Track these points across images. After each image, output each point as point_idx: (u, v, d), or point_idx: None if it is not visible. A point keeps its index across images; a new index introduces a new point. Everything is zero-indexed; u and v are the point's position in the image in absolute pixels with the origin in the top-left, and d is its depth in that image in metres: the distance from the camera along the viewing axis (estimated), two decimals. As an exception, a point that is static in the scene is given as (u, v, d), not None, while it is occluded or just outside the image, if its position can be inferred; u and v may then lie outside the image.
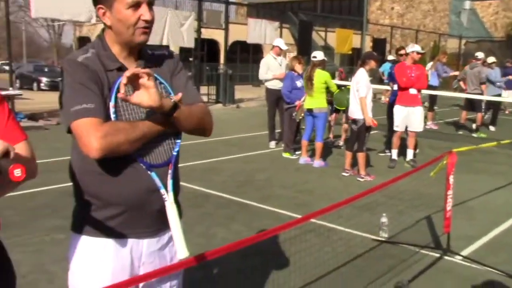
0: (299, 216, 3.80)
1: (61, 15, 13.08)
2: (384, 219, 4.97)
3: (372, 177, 7.30)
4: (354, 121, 7.31)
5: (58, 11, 12.60)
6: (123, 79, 1.68)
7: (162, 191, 1.83)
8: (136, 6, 1.81)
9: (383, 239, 4.88)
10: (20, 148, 1.58)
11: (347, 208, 5.14)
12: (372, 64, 7.41)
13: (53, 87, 22.33)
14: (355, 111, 7.26)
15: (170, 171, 1.88)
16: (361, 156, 7.31)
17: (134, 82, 1.71)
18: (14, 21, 32.51)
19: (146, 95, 1.71)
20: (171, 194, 1.85)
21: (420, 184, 6.10)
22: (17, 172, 1.35)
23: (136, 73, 1.69)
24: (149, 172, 1.82)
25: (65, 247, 1.96)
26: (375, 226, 5.03)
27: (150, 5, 1.85)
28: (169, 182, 1.86)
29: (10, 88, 12.17)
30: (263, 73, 9.67)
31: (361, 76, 7.23)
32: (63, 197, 5.65)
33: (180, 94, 1.84)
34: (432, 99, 13.56)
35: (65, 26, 36.70)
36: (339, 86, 9.81)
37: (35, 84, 24.23)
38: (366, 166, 7.54)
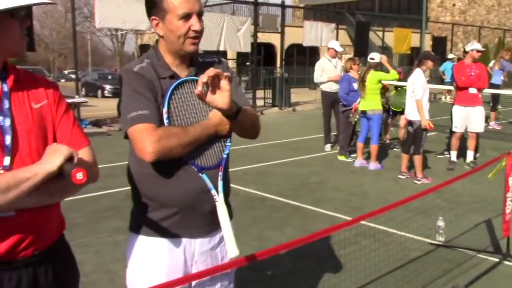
0: (352, 219, 3.80)
1: (124, 24, 13.61)
2: (440, 223, 4.89)
3: (429, 180, 7.16)
4: (410, 123, 7.21)
5: (120, 20, 13.15)
6: (204, 77, 1.76)
7: (213, 192, 1.92)
8: (186, 17, 1.92)
9: (439, 243, 4.80)
10: (83, 153, 1.71)
11: (402, 210, 5.10)
12: (430, 64, 7.29)
13: (116, 94, 23.08)
14: (410, 113, 7.16)
15: (220, 173, 1.97)
16: (417, 159, 7.19)
17: (209, 83, 1.78)
18: (80, 32, 33.97)
19: (220, 97, 1.81)
20: (221, 195, 1.94)
21: (479, 186, 5.94)
22: (79, 176, 1.50)
23: (218, 74, 1.78)
24: (200, 174, 1.92)
25: (125, 248, 2.10)
26: (431, 230, 4.95)
27: (200, 15, 1.96)
28: (220, 184, 1.95)
29: (76, 96, 12.76)
30: (318, 76, 9.65)
31: (417, 77, 7.11)
32: (124, 200, 5.90)
33: None
34: (495, 98, 13.07)
35: (127, 35, 37.99)
36: (396, 87, 9.69)
37: (99, 91, 25.25)
38: (423, 168, 7.41)
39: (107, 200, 6.14)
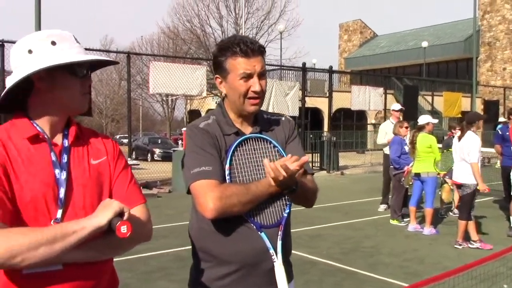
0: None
1: (176, 90, 14.12)
2: (505, 291, 4.59)
3: (489, 246, 6.78)
4: (461, 187, 6.91)
5: (173, 87, 13.66)
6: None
7: (271, 252, 1.87)
8: (247, 77, 1.93)
9: (505, 313, 4.48)
10: (138, 211, 1.71)
11: (463, 278, 4.81)
12: (480, 124, 7.09)
13: (165, 157, 23.43)
14: (460, 176, 6.87)
15: (280, 232, 1.92)
16: (470, 223, 6.85)
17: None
18: (133, 98, 35.35)
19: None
20: (280, 255, 1.88)
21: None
22: (123, 229, 1.48)
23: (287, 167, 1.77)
24: (259, 232, 1.88)
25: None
26: (495, 299, 4.64)
27: (262, 75, 1.96)
28: (279, 243, 1.90)
29: (129, 159, 13.11)
30: (381, 138, 9.78)
31: (472, 140, 6.78)
32: (173, 262, 5.86)
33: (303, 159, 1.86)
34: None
35: (177, 101, 39.31)
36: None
37: (149, 155, 25.81)
38: (477, 232, 7.04)
39: (156, 262, 6.10)
